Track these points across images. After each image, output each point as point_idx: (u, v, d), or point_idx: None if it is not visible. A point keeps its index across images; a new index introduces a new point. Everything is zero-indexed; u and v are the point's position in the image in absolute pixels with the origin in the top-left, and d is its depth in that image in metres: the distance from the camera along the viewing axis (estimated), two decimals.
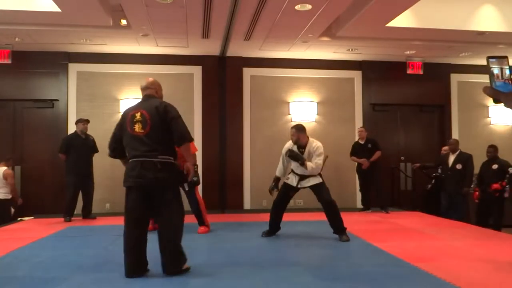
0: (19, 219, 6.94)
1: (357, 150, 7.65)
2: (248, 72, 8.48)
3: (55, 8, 5.95)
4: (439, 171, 7.53)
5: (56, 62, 7.90)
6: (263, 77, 8.55)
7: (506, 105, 1.12)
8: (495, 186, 6.69)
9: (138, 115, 3.39)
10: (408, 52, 8.29)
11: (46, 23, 6.54)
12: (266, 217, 6.96)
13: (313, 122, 8.62)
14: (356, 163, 7.76)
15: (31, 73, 7.88)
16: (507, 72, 1.12)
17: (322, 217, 6.81)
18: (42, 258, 4.15)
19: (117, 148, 3.57)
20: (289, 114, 8.58)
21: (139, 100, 3.63)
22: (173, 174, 3.45)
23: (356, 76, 8.80)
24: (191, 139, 3.47)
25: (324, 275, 3.44)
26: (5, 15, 6.22)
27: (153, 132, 3.35)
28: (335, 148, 8.62)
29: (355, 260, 4.03)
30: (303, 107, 8.55)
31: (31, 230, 5.87)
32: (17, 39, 7.20)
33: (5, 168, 6.85)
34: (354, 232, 5.35)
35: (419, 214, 7.44)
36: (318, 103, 8.64)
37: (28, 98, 7.95)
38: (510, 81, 1.11)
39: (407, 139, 9.11)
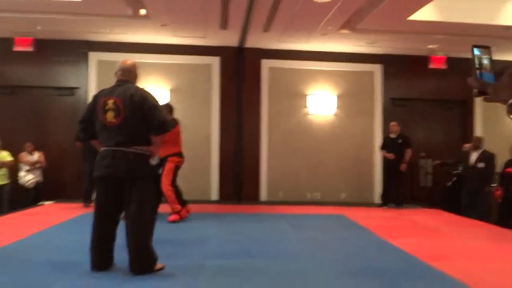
0: (40, 203, 7.11)
1: (387, 144, 7.55)
2: (266, 64, 8.43)
3: None
4: (460, 168, 7.37)
5: (77, 50, 8.00)
6: (282, 69, 8.48)
7: (493, 98, 1.06)
8: None
9: (110, 103, 3.16)
10: (430, 46, 8.09)
11: (67, 11, 6.61)
12: (282, 209, 7.01)
13: (331, 115, 8.53)
14: (383, 159, 7.66)
15: (53, 61, 8.00)
16: (486, 62, 1.07)
17: (338, 210, 6.84)
18: (60, 242, 4.24)
19: (86, 129, 3.34)
20: (306, 107, 8.51)
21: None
22: (146, 166, 3.26)
23: (376, 69, 8.65)
24: (170, 129, 3.31)
25: (337, 270, 3.41)
26: (27, 3, 6.31)
27: (127, 122, 3.14)
28: (354, 142, 8.55)
29: (369, 256, 3.98)
30: (321, 100, 8.46)
31: (51, 214, 6.00)
32: (39, 27, 7.30)
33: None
34: (370, 228, 5.29)
35: (438, 211, 7.30)
36: (337, 96, 8.53)
37: (50, 86, 8.09)
38: (494, 72, 1.06)
39: (428, 135, 8.93)
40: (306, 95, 8.51)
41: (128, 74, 3.37)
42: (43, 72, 8.01)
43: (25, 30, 7.48)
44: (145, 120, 3.19)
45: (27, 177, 7.04)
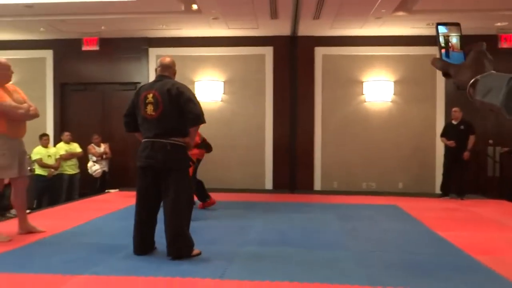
0: (106, 191, 7.69)
1: (448, 130, 7.16)
2: (320, 52, 8.30)
3: None
4: None
5: (138, 47, 8.45)
6: (336, 56, 8.30)
7: (454, 79, 0.96)
8: None
9: (150, 97, 3.36)
10: (499, 24, 7.45)
11: (126, 11, 7.01)
12: (335, 198, 6.94)
13: (388, 102, 8.22)
14: (444, 146, 7.26)
15: (116, 58, 8.53)
16: (455, 40, 0.97)
17: (393, 201, 6.62)
18: (113, 227, 4.58)
19: (129, 123, 3.57)
20: (362, 94, 8.27)
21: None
22: (182, 156, 3.41)
23: (438, 52, 8.13)
24: (204, 121, 3.40)
25: (371, 262, 3.34)
26: (93, 6, 6.79)
27: (165, 115, 3.32)
28: (413, 130, 8.18)
29: (410, 247, 3.84)
30: (378, 87, 8.16)
31: (113, 201, 6.47)
32: (103, 28, 7.83)
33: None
34: (423, 220, 5.09)
35: (505, 203, 6.79)
36: (394, 82, 8.19)
37: (115, 81, 8.64)
38: (464, 51, 0.96)
39: (497, 121, 8.27)
40: (362, 81, 8.27)
41: (167, 70, 3.57)
42: (108, 69, 8.58)
43: (92, 31, 8.05)
44: (181, 113, 3.35)
45: (94, 167, 7.63)
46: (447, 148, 7.15)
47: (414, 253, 3.63)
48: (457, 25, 0.98)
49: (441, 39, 0.98)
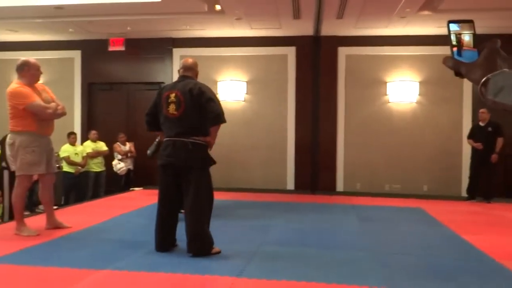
0: (131, 189, 7.84)
1: (475, 132, 7.01)
2: (343, 52, 8.24)
3: None
4: None
5: (162, 47, 8.59)
6: (360, 56, 8.23)
7: (468, 78, 0.94)
8: None
9: (172, 96, 3.43)
10: None
11: (151, 12, 7.14)
12: (357, 200, 6.87)
13: (413, 103, 8.09)
14: (471, 149, 7.09)
15: (141, 58, 8.69)
16: (468, 38, 0.94)
17: (417, 203, 6.51)
18: (137, 224, 4.69)
19: (151, 122, 3.65)
20: (386, 94, 8.17)
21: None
22: (203, 155, 3.46)
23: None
24: (224, 121, 3.45)
25: (390, 264, 3.31)
26: (119, 7, 6.95)
27: (186, 114, 3.39)
28: (439, 131, 8.03)
29: (431, 251, 3.78)
30: (403, 87, 8.04)
31: (137, 199, 6.60)
32: (129, 28, 7.99)
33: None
34: (446, 223, 4.99)
35: None
36: (419, 82, 8.05)
37: (139, 81, 8.80)
38: (476, 49, 0.93)
39: None
40: (385, 82, 8.17)
41: (189, 71, 3.64)
42: (134, 69, 8.75)
43: (118, 32, 8.23)
44: (202, 112, 3.41)
45: (119, 165, 7.80)
46: (474, 150, 6.98)
47: (435, 256, 3.57)
48: (470, 22, 0.95)
49: (453, 37, 0.95)
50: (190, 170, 3.39)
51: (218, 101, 3.50)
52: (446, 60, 0.97)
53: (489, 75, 0.89)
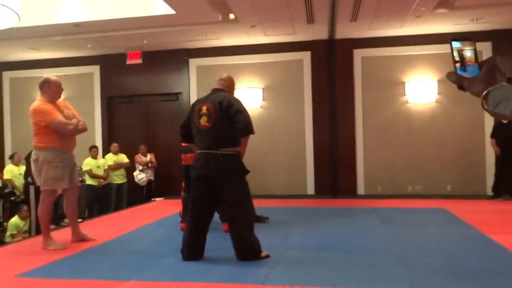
0: (152, 199, 7.94)
1: (498, 130, 6.88)
2: (359, 54, 8.19)
3: (171, 11, 6.57)
4: None
5: (179, 58, 8.70)
6: (375, 57, 8.17)
7: (470, 91, 1.03)
8: None
9: (204, 109, 3.56)
10: None
11: (166, 24, 7.26)
12: (379, 202, 6.80)
13: (432, 102, 7.98)
14: (496, 146, 6.96)
15: (159, 70, 8.82)
16: (470, 54, 1.03)
17: (441, 204, 6.40)
18: (160, 234, 4.73)
19: (185, 134, 3.80)
20: (405, 95, 8.07)
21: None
22: (235, 165, 3.53)
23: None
24: (252, 131, 3.52)
25: (414, 267, 3.26)
26: (134, 21, 7.09)
27: (217, 126, 3.50)
28: (460, 130, 7.90)
29: (457, 252, 3.71)
30: (421, 87, 7.95)
31: (158, 209, 6.68)
32: (145, 41, 8.13)
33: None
34: (472, 223, 4.89)
35: None
36: (438, 81, 7.94)
37: (157, 93, 8.93)
38: (479, 64, 1.02)
39: None
40: (403, 82, 8.08)
41: (222, 84, 3.78)
42: (151, 81, 8.88)
43: (135, 45, 8.39)
44: (232, 124, 3.50)
45: (140, 176, 7.92)
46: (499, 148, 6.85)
47: (461, 257, 3.50)
48: (470, 39, 1.05)
49: (455, 54, 1.05)
50: (224, 180, 3.48)
51: (247, 113, 3.58)
52: (450, 75, 1.08)
53: (489, 89, 0.99)
